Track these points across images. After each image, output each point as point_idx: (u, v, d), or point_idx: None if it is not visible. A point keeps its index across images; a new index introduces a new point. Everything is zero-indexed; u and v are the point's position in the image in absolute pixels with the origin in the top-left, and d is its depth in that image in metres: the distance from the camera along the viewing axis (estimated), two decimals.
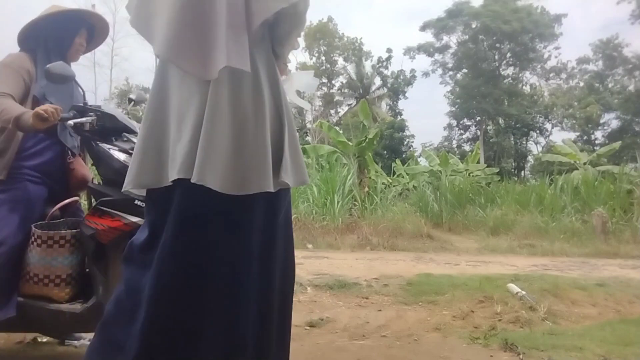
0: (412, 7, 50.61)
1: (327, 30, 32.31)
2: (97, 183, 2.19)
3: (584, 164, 13.70)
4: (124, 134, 2.16)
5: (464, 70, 31.51)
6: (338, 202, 8.27)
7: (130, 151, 2.09)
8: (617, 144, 15.25)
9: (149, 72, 29.82)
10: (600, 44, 30.83)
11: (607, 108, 28.59)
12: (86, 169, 2.32)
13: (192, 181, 1.21)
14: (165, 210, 1.30)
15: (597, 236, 8.45)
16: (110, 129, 2.13)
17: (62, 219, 2.18)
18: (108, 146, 2.10)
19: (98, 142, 2.10)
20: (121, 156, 2.09)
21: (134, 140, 2.13)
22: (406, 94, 32.52)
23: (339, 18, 34.22)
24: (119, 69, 30.62)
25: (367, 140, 10.57)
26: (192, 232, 1.27)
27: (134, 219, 2.03)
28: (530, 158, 30.91)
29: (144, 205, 2.05)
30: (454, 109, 31.95)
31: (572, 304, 3.89)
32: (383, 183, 12.30)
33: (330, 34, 32.36)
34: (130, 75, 31.78)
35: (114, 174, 2.07)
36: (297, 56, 36.93)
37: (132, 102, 2.52)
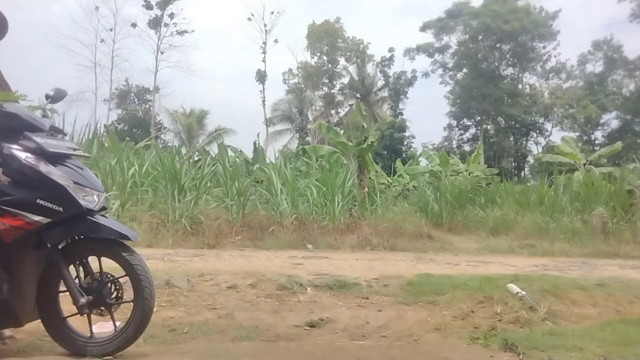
0: (406, 3, 49.87)
1: (333, 30, 32.21)
2: (7, 182, 2.17)
3: (584, 164, 13.68)
4: (26, 132, 2.15)
5: (464, 71, 31.51)
6: (338, 203, 8.26)
7: (38, 151, 2.11)
8: (619, 145, 15.23)
9: (148, 72, 29.81)
10: (595, 45, 30.91)
11: (603, 109, 28.56)
12: None
13: None
14: None
15: (597, 236, 8.44)
16: (14, 127, 2.14)
17: None
18: (10, 145, 2.11)
19: (1, 142, 2.11)
20: (22, 155, 2.09)
21: (37, 139, 2.14)
22: (407, 94, 32.62)
23: (334, 16, 34.18)
24: (119, 69, 30.51)
25: (365, 141, 10.57)
26: None
27: (37, 218, 2.05)
28: (530, 158, 30.90)
29: (46, 204, 2.07)
30: (453, 109, 31.95)
31: (572, 304, 3.89)
32: (383, 183, 12.29)
33: (334, 34, 32.25)
34: (130, 76, 31.72)
35: (16, 173, 2.09)
36: (298, 55, 36.96)
37: (50, 99, 2.49)
